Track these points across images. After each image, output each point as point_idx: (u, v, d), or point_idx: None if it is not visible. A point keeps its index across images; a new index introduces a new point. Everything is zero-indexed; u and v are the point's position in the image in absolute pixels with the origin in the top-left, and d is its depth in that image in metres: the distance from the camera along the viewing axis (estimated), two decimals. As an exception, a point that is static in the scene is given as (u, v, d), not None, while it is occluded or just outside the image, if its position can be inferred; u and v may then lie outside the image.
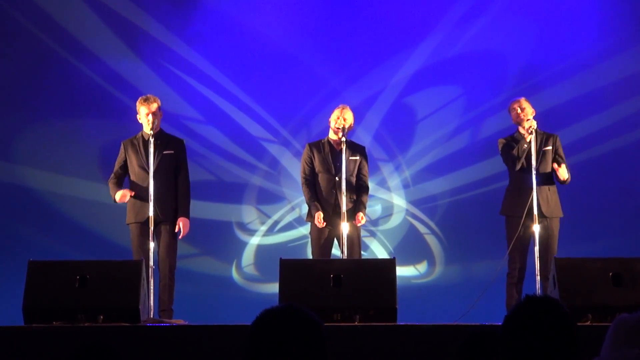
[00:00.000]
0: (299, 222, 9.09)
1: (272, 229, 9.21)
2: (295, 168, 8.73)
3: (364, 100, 9.23)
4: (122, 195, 6.98)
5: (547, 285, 6.53)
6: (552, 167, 7.23)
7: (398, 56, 9.31)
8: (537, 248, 6.97)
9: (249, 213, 9.24)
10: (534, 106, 7.38)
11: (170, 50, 9.17)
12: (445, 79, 9.29)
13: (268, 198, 9.24)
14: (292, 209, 9.15)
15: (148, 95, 7.07)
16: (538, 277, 6.91)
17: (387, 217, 9.22)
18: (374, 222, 9.18)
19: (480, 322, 6.17)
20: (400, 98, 9.31)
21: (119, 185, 7.09)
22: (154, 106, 6.97)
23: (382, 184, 9.25)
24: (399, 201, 9.23)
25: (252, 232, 9.22)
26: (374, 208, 9.15)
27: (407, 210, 9.24)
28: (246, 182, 9.23)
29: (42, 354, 5.58)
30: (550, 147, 7.30)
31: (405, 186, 9.26)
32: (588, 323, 5.86)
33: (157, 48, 9.16)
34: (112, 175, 7.15)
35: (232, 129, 9.22)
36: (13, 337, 5.68)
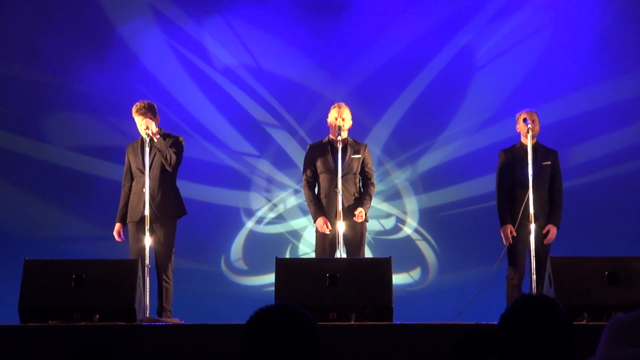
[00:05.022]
0: (279, 218, 9.08)
1: (261, 221, 9.17)
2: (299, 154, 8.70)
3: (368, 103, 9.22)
4: (116, 233, 7.19)
5: None
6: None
7: (398, 55, 9.29)
8: (532, 248, 7.01)
9: (256, 200, 9.23)
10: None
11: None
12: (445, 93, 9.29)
13: (273, 185, 9.25)
14: (295, 192, 9.07)
15: (142, 104, 7.09)
16: (534, 277, 6.92)
17: (393, 228, 9.18)
18: (380, 233, 9.13)
19: (476, 321, 6.16)
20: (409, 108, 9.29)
21: (128, 193, 7.17)
22: (148, 115, 7.03)
23: (392, 194, 9.22)
24: (411, 221, 9.17)
25: (252, 218, 9.22)
26: (387, 220, 9.12)
27: (400, 218, 9.21)
28: (247, 170, 9.23)
29: (37, 353, 5.57)
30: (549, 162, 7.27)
31: (417, 193, 9.21)
32: (584, 322, 5.86)
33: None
34: (123, 179, 7.26)
35: (234, 113, 9.21)
36: (8, 336, 5.68)
